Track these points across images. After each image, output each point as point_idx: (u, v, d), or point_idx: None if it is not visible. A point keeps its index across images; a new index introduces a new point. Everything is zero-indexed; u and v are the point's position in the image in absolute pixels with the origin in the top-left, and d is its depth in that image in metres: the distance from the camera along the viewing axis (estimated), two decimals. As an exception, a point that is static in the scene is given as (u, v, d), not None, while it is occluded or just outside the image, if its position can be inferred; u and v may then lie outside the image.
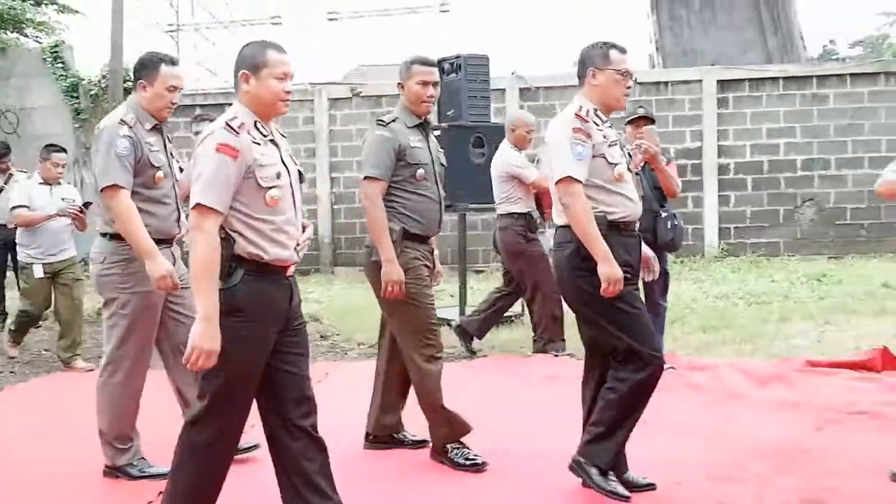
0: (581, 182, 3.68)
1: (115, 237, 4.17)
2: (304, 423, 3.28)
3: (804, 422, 5.01)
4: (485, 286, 10.81)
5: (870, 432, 4.82)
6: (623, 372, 3.80)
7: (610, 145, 3.79)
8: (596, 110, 3.80)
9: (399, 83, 4.45)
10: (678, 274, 10.29)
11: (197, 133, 6.53)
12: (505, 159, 6.89)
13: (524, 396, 5.77)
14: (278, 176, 3.18)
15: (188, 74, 21.08)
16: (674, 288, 6.50)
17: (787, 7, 17.75)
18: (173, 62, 4.28)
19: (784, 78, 12.73)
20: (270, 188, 3.15)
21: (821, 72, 12.97)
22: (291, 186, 3.26)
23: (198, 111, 12.83)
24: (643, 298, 6.23)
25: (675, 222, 6.19)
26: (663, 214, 6.08)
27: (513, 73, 12.94)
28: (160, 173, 4.22)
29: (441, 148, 4.65)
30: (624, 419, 3.82)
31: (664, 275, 6.18)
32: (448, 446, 4.39)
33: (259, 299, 3.12)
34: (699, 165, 12.76)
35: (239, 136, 3.09)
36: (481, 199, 7.51)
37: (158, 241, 4.14)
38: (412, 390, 4.53)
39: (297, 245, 3.28)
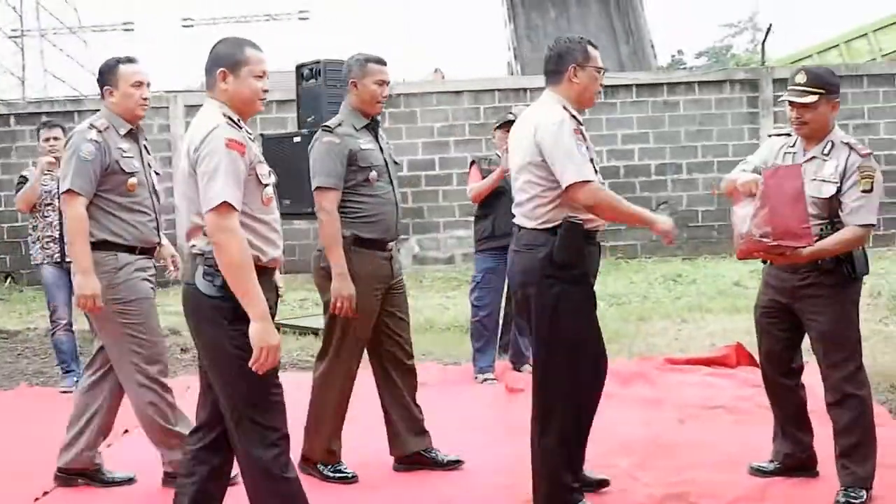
0: (593, 181, 3.51)
1: (99, 246, 3.98)
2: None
3: (666, 418, 5.16)
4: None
5: (727, 426, 5.00)
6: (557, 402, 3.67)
7: (590, 148, 3.64)
8: (573, 110, 3.64)
9: (352, 82, 4.24)
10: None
11: (47, 140, 6.16)
12: None
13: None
14: (270, 173, 3.17)
15: (35, 83, 20.16)
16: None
17: (637, 17, 18.33)
18: (130, 60, 4.17)
19: (637, 85, 13.13)
20: (267, 185, 3.12)
21: (671, 79, 13.47)
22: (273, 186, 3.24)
23: (44, 118, 12.26)
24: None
25: None
26: None
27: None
28: (133, 180, 4.08)
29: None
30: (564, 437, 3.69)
31: None
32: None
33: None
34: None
35: (241, 131, 3.07)
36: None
37: (142, 251, 4.08)
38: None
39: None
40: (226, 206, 2.94)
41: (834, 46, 16.55)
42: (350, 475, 4.25)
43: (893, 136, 12.63)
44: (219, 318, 3.02)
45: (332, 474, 4.24)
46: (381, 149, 4.27)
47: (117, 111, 4.15)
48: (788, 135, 4.00)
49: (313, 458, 4.28)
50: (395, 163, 4.38)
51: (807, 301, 3.85)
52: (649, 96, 13.05)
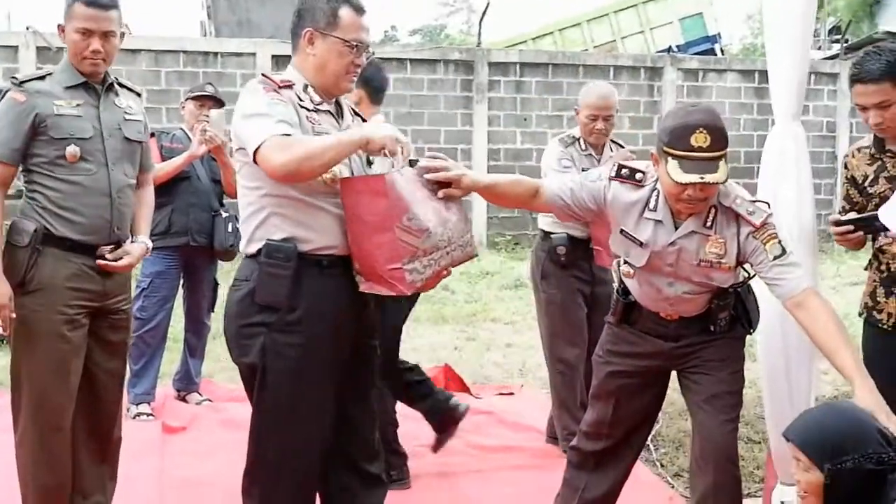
0: (276, 134, 2.62)
1: None
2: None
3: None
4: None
5: (433, 476, 4.43)
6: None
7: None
8: (308, 86, 2.84)
9: (60, 25, 3.27)
10: (226, 276, 9.53)
11: None
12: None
13: None
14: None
15: None
16: (221, 294, 5.82)
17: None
18: None
19: (343, 58, 12.52)
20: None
21: (382, 54, 12.91)
22: None
23: None
24: (187, 315, 5.52)
25: (236, 224, 5.53)
26: (224, 215, 5.33)
27: (28, 28, 11.38)
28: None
29: None
30: None
31: (213, 288, 5.54)
32: None
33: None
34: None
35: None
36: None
37: None
38: None
39: None
40: None
41: (549, 34, 17.01)
42: None
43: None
44: None
45: None
46: (99, 118, 3.30)
47: None
48: (632, 175, 3.11)
49: None
50: (130, 140, 3.40)
51: (693, 358, 3.21)
52: (357, 71, 12.50)
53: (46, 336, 3.19)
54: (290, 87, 2.79)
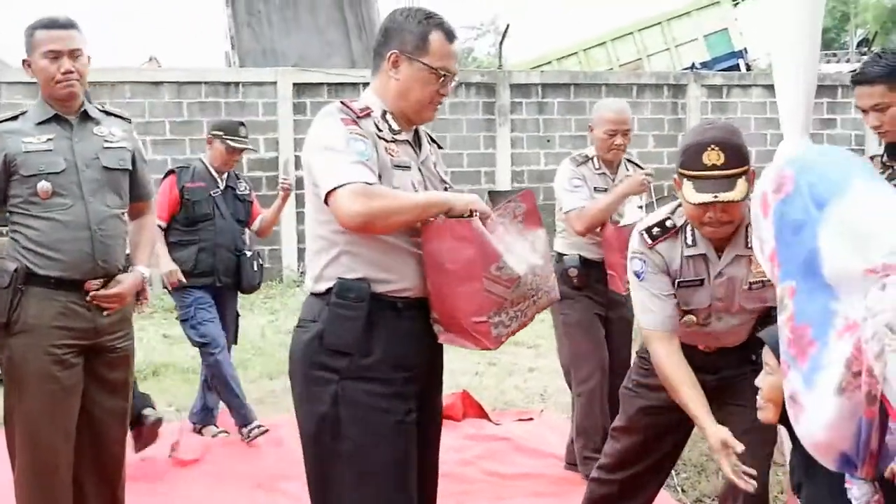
0: (356, 182, 2.40)
1: None
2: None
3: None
4: None
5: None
6: None
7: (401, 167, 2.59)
8: (386, 113, 2.64)
9: (25, 61, 3.28)
10: (249, 305, 9.55)
11: None
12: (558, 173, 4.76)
13: None
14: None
15: None
16: (242, 324, 5.80)
17: (370, 10, 17.91)
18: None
19: (365, 84, 12.50)
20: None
21: (403, 80, 12.97)
22: None
23: None
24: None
25: (261, 262, 5.59)
26: (248, 254, 5.36)
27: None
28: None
29: None
30: None
31: (235, 320, 5.58)
32: None
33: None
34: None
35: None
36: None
37: None
38: None
39: None
40: None
41: (573, 54, 16.97)
42: None
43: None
44: None
45: None
46: (73, 150, 3.24)
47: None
48: (663, 227, 3.01)
49: None
50: (110, 169, 3.32)
51: (728, 390, 3.10)
52: (378, 97, 12.52)
53: (36, 377, 3.16)
54: (368, 115, 2.60)
